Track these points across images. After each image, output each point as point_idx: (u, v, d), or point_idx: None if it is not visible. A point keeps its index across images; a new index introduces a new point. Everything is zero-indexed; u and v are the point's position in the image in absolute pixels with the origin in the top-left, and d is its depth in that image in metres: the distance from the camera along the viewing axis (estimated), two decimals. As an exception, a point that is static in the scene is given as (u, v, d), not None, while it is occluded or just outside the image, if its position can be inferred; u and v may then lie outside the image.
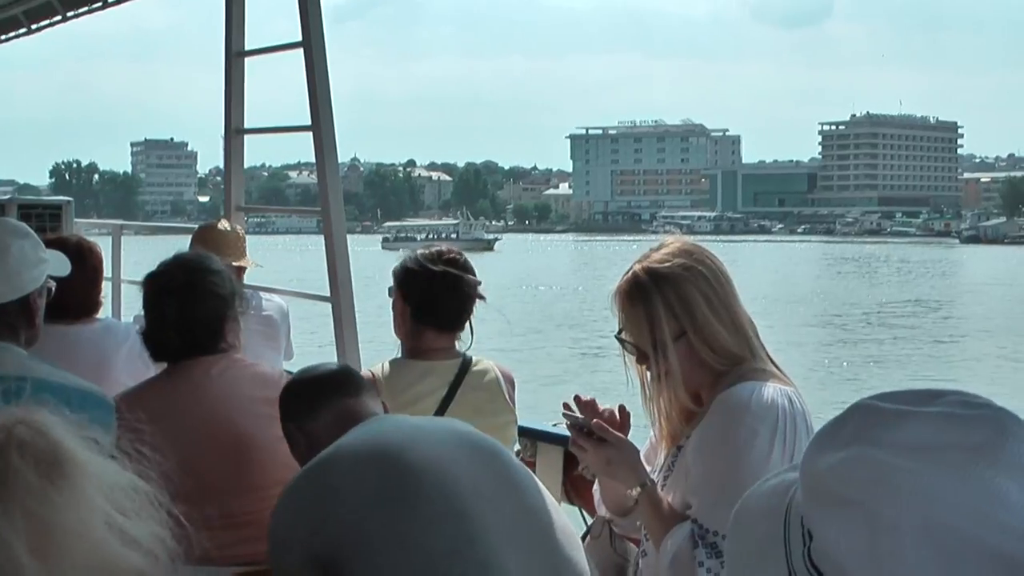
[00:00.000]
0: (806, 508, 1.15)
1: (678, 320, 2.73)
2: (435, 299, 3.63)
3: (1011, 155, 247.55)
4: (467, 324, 3.71)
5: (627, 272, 2.82)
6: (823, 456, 1.14)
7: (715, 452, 2.67)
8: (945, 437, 1.10)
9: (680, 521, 2.67)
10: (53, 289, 3.15)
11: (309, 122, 5.47)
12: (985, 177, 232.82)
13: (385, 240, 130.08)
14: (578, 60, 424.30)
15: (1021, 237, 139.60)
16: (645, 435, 2.98)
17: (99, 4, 6.68)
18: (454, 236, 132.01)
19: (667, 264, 2.76)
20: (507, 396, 3.71)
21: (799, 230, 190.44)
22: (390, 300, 3.78)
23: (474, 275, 3.73)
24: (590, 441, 2.76)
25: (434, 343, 3.66)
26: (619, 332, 2.83)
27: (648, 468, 2.84)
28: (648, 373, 2.81)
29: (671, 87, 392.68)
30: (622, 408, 2.89)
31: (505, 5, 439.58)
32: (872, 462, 1.11)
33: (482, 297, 3.69)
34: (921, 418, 1.13)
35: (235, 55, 5.84)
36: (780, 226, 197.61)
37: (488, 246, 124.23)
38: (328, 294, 5.50)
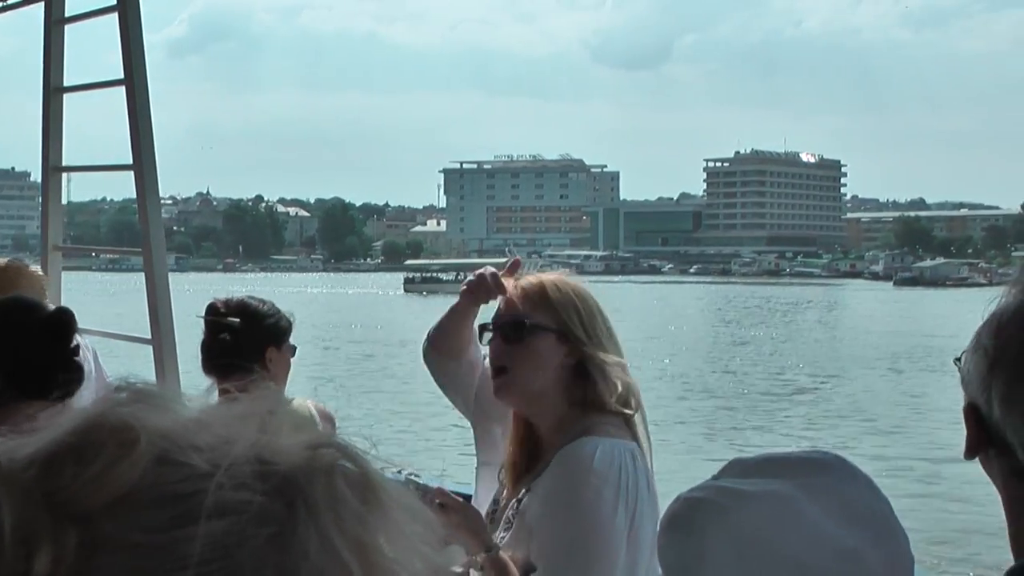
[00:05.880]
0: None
1: (582, 329, 2.94)
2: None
3: (855, 196, 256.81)
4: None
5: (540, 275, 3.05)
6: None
7: (560, 515, 2.80)
8: (777, 470, 1.34)
9: None
10: None
11: (131, 160, 5.64)
12: (866, 217, 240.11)
13: (409, 281, 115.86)
14: (421, 97, 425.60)
15: (964, 279, 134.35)
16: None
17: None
18: None
19: (582, 285, 3.03)
20: None
21: (691, 270, 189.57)
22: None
23: None
24: (432, 507, 2.92)
25: None
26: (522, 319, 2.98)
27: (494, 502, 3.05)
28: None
29: (515, 124, 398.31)
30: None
31: (346, 40, 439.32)
32: (703, 485, 1.35)
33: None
34: (771, 458, 1.38)
35: (54, 91, 5.98)
36: (670, 266, 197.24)
37: None
38: (149, 336, 5.65)
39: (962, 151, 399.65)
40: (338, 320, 65.87)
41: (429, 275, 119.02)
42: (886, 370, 42.61)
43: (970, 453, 1.50)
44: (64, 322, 3.39)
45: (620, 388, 2.93)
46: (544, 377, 2.95)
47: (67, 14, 6.07)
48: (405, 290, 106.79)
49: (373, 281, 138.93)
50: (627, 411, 2.94)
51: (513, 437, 3.08)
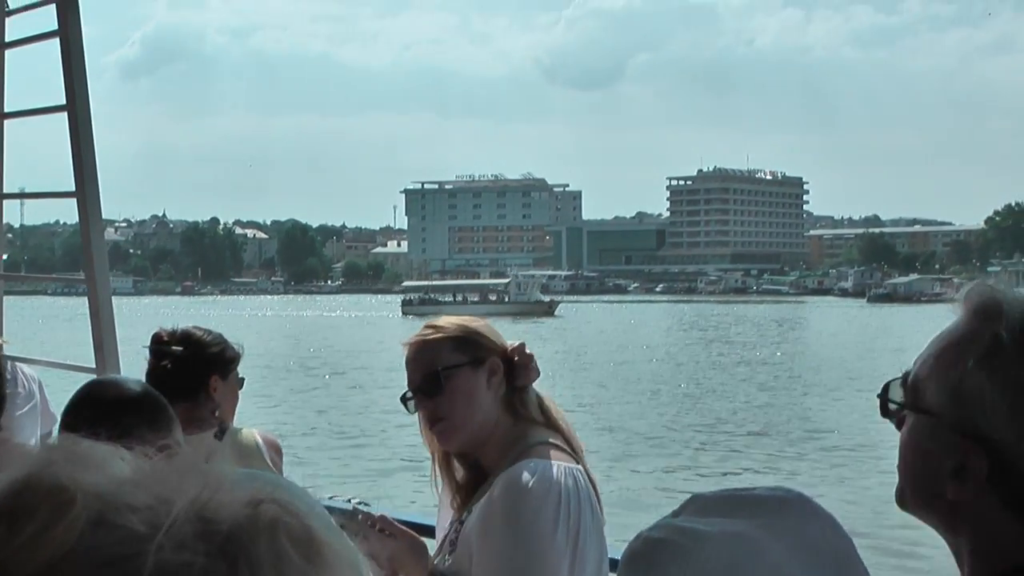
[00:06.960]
0: None
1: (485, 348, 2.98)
2: None
3: (809, 213, 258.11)
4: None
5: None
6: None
7: (498, 535, 2.79)
8: (738, 509, 1.35)
9: None
10: None
11: (73, 187, 5.60)
12: (827, 233, 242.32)
13: (407, 303, 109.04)
14: (375, 118, 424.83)
15: (938, 295, 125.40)
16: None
17: None
18: (493, 299, 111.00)
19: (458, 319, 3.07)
20: (269, 461, 3.96)
21: (657, 289, 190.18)
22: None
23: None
24: (376, 533, 2.98)
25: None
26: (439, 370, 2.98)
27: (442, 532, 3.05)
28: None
29: (472, 145, 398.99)
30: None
31: (300, 62, 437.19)
32: (662, 524, 1.38)
33: None
34: (732, 496, 1.39)
35: (-6, 117, 5.95)
36: (635, 285, 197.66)
37: (548, 310, 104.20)
38: (93, 365, 5.60)
39: (912, 167, 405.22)
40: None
41: (427, 297, 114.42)
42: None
43: None
44: None
45: (535, 397, 2.99)
46: (482, 409, 2.96)
47: (8, 39, 6.03)
48: (403, 313, 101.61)
49: (353, 303, 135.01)
50: (560, 436, 2.96)
51: (459, 462, 3.10)
